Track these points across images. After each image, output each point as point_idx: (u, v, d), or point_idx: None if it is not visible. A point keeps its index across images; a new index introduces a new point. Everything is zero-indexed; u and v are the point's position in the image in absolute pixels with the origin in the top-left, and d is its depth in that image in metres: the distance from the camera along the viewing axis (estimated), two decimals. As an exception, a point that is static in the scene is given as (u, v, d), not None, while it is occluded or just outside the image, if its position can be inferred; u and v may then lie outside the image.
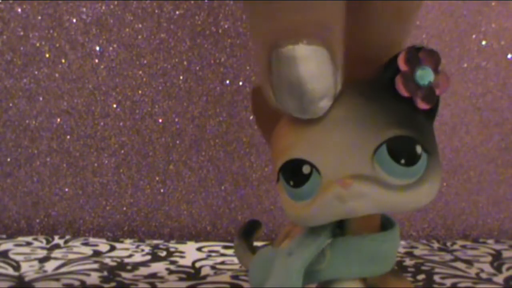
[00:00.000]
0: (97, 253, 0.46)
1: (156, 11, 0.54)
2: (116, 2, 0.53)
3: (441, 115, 0.20)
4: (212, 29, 0.54)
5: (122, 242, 0.50)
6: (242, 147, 0.55)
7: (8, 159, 0.54)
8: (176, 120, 0.55)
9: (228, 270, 0.43)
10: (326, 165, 0.21)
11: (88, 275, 0.41)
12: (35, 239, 0.50)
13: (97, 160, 0.55)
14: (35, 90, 0.54)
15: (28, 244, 0.48)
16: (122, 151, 0.55)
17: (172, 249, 0.49)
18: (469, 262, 0.47)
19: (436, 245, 0.53)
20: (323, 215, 0.21)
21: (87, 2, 0.53)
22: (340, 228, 0.23)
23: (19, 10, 0.53)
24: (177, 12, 0.54)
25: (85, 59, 0.54)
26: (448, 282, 0.42)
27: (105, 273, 0.41)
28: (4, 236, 0.51)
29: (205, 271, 0.43)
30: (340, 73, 0.20)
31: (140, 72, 0.54)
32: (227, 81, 0.55)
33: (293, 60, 0.19)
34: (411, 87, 0.20)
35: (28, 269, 0.41)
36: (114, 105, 0.54)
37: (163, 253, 0.47)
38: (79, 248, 0.48)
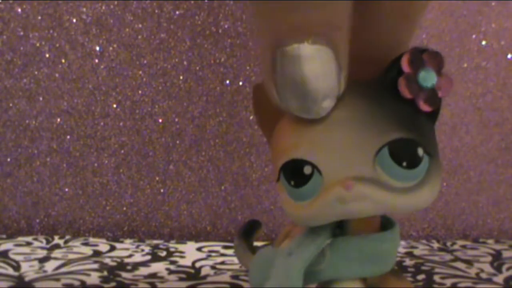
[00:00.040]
0: (97, 253, 0.46)
1: (156, 11, 0.54)
2: (116, 2, 0.53)
3: (441, 115, 0.20)
4: (212, 29, 0.54)
5: (122, 242, 0.50)
6: (242, 147, 0.55)
7: (8, 159, 0.54)
8: (176, 120, 0.55)
9: (228, 270, 0.43)
10: (327, 165, 0.21)
11: (88, 275, 0.41)
12: (35, 239, 0.50)
13: (97, 160, 0.55)
14: (35, 90, 0.54)
15: (28, 244, 0.48)
16: (122, 151, 0.55)
17: (172, 249, 0.49)
18: (469, 262, 0.47)
19: (436, 245, 0.53)
20: (324, 216, 0.21)
21: (87, 2, 0.53)
22: (340, 228, 0.23)
23: (19, 10, 0.53)
24: (177, 12, 0.54)
25: (85, 59, 0.54)
26: (448, 282, 0.42)
27: (105, 273, 0.41)
28: (4, 236, 0.51)
29: (205, 271, 0.43)
30: (344, 74, 0.20)
31: (140, 72, 0.54)
32: (227, 81, 0.55)
33: (297, 59, 0.19)
34: (414, 88, 0.20)
35: (28, 269, 0.41)
36: (114, 105, 0.54)
37: (163, 253, 0.47)
38: (79, 248, 0.48)
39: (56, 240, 0.50)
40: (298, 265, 0.22)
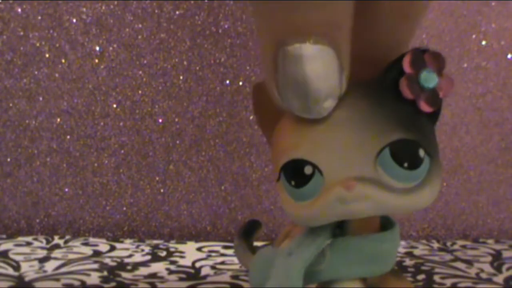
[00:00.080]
0: (97, 253, 0.46)
1: (156, 11, 0.54)
2: (116, 2, 0.53)
3: (441, 115, 0.20)
4: (212, 29, 0.54)
5: (122, 242, 0.50)
6: (242, 147, 0.55)
7: (8, 159, 0.54)
8: (176, 120, 0.55)
9: (228, 270, 0.43)
10: (328, 166, 0.21)
11: (88, 275, 0.41)
12: (35, 239, 0.50)
13: (97, 160, 0.55)
14: (35, 90, 0.54)
15: (28, 244, 0.48)
16: (122, 151, 0.55)
17: (172, 249, 0.49)
18: (469, 262, 0.47)
19: (436, 245, 0.53)
20: (324, 216, 0.21)
21: (87, 2, 0.53)
22: (340, 228, 0.23)
23: (19, 10, 0.53)
24: (177, 12, 0.54)
25: (85, 59, 0.54)
26: (448, 282, 0.42)
27: (105, 273, 0.41)
28: (4, 236, 0.51)
29: (205, 271, 0.43)
30: (346, 74, 0.20)
31: (140, 72, 0.54)
32: (227, 81, 0.55)
33: (299, 58, 0.19)
34: (415, 89, 0.20)
35: (28, 269, 0.41)
36: (114, 105, 0.54)
37: (163, 253, 0.47)
38: (79, 248, 0.48)
39: (56, 240, 0.50)
40: (298, 265, 0.22)
